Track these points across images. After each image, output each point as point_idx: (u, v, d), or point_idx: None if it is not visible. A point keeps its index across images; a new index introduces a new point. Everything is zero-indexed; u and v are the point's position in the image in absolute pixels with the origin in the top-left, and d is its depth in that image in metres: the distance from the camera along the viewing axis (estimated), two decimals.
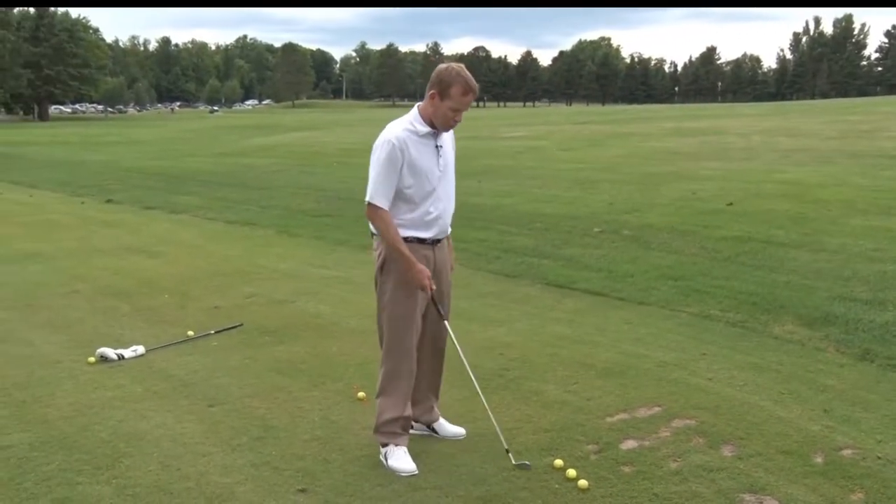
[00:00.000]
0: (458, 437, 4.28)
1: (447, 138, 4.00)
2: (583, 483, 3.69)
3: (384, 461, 3.97)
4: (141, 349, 5.80)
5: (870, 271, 7.77)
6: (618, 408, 4.63)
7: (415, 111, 3.88)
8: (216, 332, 6.31)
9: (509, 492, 3.67)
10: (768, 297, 6.96)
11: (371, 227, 3.96)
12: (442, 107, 3.77)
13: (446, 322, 4.10)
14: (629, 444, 4.16)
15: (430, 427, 4.31)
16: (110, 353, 5.65)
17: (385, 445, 4.00)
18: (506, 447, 3.95)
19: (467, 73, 3.78)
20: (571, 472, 3.78)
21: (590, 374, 5.22)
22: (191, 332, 6.26)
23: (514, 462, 3.88)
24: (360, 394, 4.87)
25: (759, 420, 4.41)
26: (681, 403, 4.67)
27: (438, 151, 3.90)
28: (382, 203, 3.79)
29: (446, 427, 4.32)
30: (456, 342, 4.09)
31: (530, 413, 4.57)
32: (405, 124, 3.84)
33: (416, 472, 3.88)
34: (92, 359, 5.62)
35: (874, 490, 3.63)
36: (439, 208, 3.94)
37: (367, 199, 3.81)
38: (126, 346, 5.83)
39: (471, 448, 4.16)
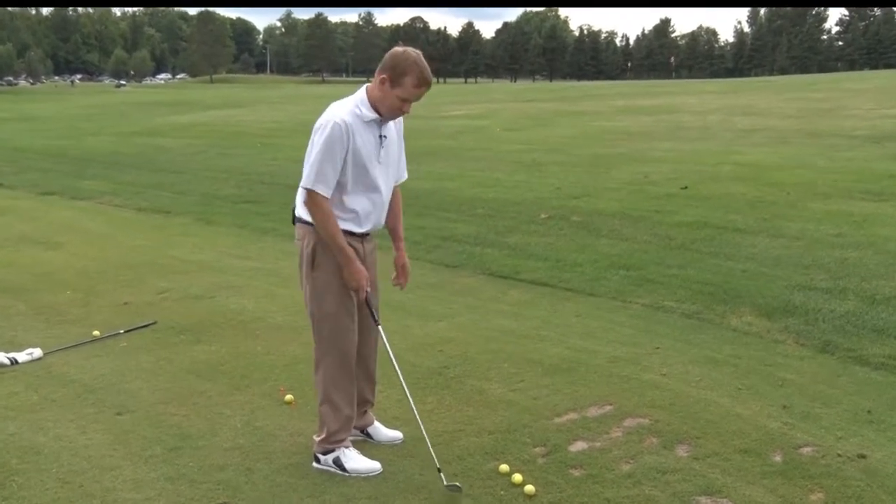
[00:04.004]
0: (395, 441, 4.29)
1: (392, 126, 3.97)
2: (529, 489, 3.73)
3: (332, 468, 3.97)
4: (38, 352, 5.65)
5: (830, 258, 8.01)
6: (566, 407, 4.68)
7: (362, 94, 3.83)
8: (125, 332, 6.18)
9: (450, 500, 3.69)
10: (725, 287, 7.12)
11: (297, 212, 3.93)
12: (391, 94, 3.74)
13: (380, 327, 4.09)
14: (579, 445, 4.21)
15: (363, 431, 4.31)
16: (1, 357, 5.48)
17: (329, 452, 4.00)
18: (437, 466, 3.85)
19: (424, 62, 3.75)
20: (517, 478, 3.81)
21: (536, 372, 5.27)
22: (96, 332, 6.12)
23: (444, 483, 3.77)
24: (288, 396, 4.83)
25: (716, 417, 4.51)
26: (633, 401, 4.75)
27: (381, 142, 3.88)
28: (324, 191, 3.73)
29: (382, 431, 4.32)
30: (389, 347, 4.06)
31: (473, 414, 4.59)
32: (351, 107, 3.78)
33: (381, 468, 3.96)
34: None
35: (834, 489, 3.74)
36: (375, 202, 3.94)
37: (305, 185, 3.73)
38: (20, 349, 5.66)
39: (409, 453, 4.17)
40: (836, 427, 4.40)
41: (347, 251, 3.83)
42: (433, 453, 3.89)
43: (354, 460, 3.98)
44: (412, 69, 3.70)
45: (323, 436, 4.01)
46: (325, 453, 4.01)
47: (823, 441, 4.22)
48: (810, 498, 3.68)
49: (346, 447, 4.02)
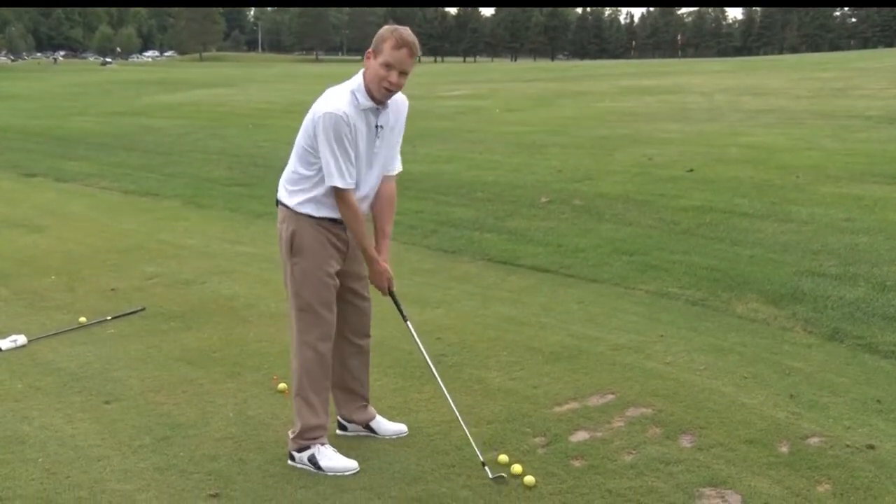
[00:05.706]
0: (400, 434, 4.28)
1: (390, 115, 3.92)
2: (529, 479, 3.75)
3: (307, 467, 3.95)
4: (22, 339, 5.66)
5: (840, 243, 8.02)
6: (567, 396, 4.71)
7: (359, 79, 3.80)
8: (113, 318, 6.19)
9: (449, 491, 3.71)
10: (731, 273, 7.14)
11: (279, 194, 3.95)
12: (374, 65, 3.72)
13: (409, 324, 4.12)
14: (580, 435, 4.24)
15: (367, 427, 4.29)
16: None
17: (304, 450, 3.97)
18: (481, 459, 3.87)
19: (404, 29, 3.75)
20: (517, 468, 3.83)
21: (537, 360, 5.29)
22: (83, 319, 6.13)
23: (490, 476, 3.79)
24: (281, 385, 4.85)
25: (721, 407, 4.53)
26: (636, 390, 4.78)
27: (377, 132, 3.86)
28: (349, 185, 3.75)
29: (385, 425, 4.31)
30: (420, 345, 4.13)
31: (471, 403, 4.61)
32: (347, 96, 3.75)
33: (357, 467, 3.93)
34: None
35: (842, 480, 3.77)
36: (365, 192, 3.94)
37: (333, 183, 3.72)
38: (3, 336, 5.67)
39: (406, 443, 4.19)
40: (844, 417, 4.42)
41: (372, 251, 3.91)
42: (476, 448, 3.89)
43: (330, 458, 3.94)
44: (388, 35, 3.71)
45: (297, 431, 3.99)
46: (299, 450, 3.97)
47: (831, 431, 4.25)
48: (818, 489, 3.70)
49: (322, 444, 3.98)
